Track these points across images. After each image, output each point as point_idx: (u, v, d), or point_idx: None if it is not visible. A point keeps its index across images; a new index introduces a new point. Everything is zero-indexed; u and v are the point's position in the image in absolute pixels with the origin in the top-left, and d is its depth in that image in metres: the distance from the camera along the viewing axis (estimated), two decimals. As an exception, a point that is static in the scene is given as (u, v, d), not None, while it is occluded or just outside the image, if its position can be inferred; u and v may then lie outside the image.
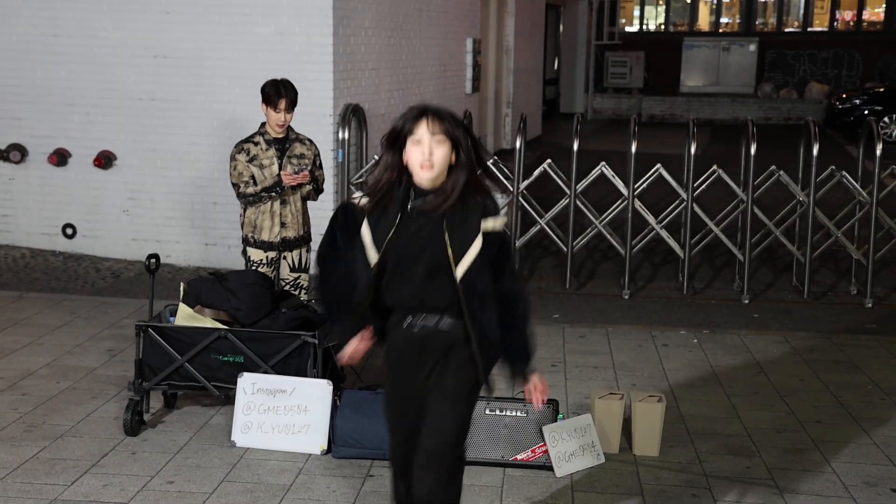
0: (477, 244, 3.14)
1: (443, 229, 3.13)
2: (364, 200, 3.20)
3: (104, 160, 8.35)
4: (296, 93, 5.48)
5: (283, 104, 5.41)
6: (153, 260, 5.01)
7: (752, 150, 7.56)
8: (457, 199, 3.12)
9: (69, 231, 8.60)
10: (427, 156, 3.09)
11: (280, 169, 5.49)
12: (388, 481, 3.53)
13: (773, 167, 8.01)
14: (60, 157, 8.44)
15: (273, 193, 5.47)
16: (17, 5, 8.35)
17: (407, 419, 3.34)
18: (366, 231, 3.20)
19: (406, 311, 3.25)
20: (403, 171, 3.16)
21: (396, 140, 3.15)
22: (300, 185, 5.54)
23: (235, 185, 5.51)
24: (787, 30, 27.22)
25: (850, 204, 8.17)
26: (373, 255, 3.20)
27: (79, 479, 4.37)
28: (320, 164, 5.73)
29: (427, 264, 3.15)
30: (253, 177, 5.47)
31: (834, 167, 8.07)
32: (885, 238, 7.96)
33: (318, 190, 5.70)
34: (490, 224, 3.18)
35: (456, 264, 3.13)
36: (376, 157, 8.18)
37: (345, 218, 3.27)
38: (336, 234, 3.29)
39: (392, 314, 3.29)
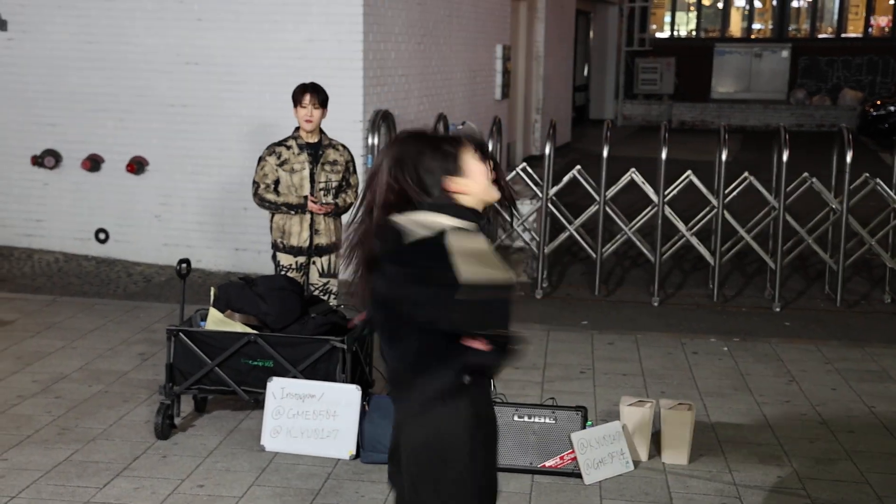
0: None
1: None
2: None
3: (136, 165, 8.43)
4: (324, 92, 5.51)
5: (307, 99, 5.43)
6: (184, 265, 5.05)
7: (785, 157, 7.50)
8: None
9: (102, 236, 8.69)
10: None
11: (312, 175, 5.51)
12: None
13: (805, 174, 7.94)
14: (94, 163, 8.54)
15: (294, 212, 5.49)
16: (51, 13, 8.46)
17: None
18: None
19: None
20: None
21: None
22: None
23: (255, 184, 5.53)
24: (820, 36, 26.99)
25: (885, 212, 8.08)
26: None
27: (110, 482, 4.41)
28: (354, 169, 5.74)
29: None
30: (277, 181, 5.49)
31: (868, 174, 7.99)
32: (919, 246, 7.86)
33: (342, 212, 5.65)
34: None
35: None
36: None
37: None
38: None
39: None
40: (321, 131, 5.59)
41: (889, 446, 4.96)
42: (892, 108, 19.04)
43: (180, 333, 4.88)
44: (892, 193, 7.81)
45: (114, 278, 8.20)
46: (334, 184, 5.57)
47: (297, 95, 5.46)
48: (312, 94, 5.44)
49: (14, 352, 6.13)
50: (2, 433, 4.90)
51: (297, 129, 5.58)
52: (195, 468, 4.56)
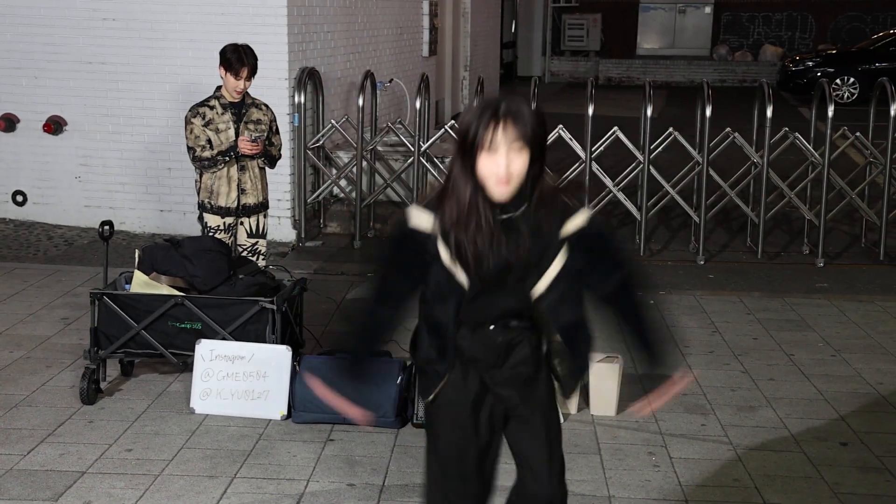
0: (560, 257, 2.74)
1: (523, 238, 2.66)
2: (429, 219, 2.68)
3: (54, 125, 8.18)
4: (256, 59, 5.41)
5: (244, 72, 5.33)
6: (107, 227, 4.95)
7: (708, 113, 7.62)
8: (538, 202, 2.66)
9: (19, 198, 8.45)
10: (503, 169, 2.56)
11: (236, 134, 5.43)
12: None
13: (727, 129, 8.08)
14: (8, 123, 8.26)
15: (227, 158, 5.41)
16: (-41, -34, 8.12)
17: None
18: (444, 251, 2.68)
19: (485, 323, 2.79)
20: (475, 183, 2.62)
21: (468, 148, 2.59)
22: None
23: (191, 150, 5.43)
24: (742, -8, 27.33)
25: (803, 165, 8.28)
26: (462, 277, 2.69)
27: (35, 448, 4.34)
28: (277, 129, 5.67)
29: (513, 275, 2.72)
30: (209, 141, 5.40)
31: (787, 129, 8.16)
32: (836, 199, 8.08)
33: (273, 157, 5.64)
34: (572, 225, 2.72)
35: (538, 279, 2.73)
36: (333, 122, 8.12)
37: (404, 240, 2.74)
38: (395, 255, 2.78)
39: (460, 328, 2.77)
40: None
41: (807, 392, 5.14)
42: (810, 64, 19.44)
43: (104, 297, 4.78)
44: (810, 147, 8.00)
45: (33, 242, 7.99)
46: (260, 142, 5.49)
47: (234, 64, 5.30)
48: (248, 65, 5.32)
49: (-70, 319, 5.96)
50: (-80, 403, 4.77)
51: (220, 87, 5.47)
52: (123, 432, 4.51)
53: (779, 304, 6.63)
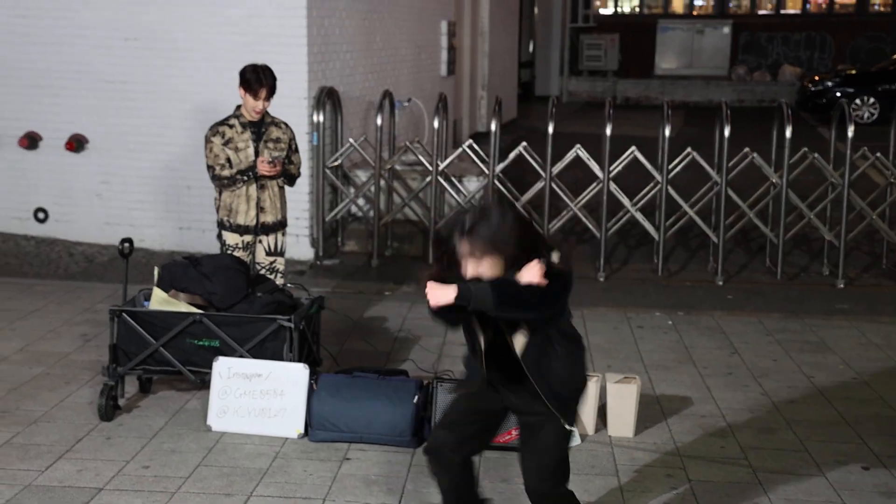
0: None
1: None
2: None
3: (76, 143, 8.26)
4: (275, 79, 5.44)
5: (263, 93, 5.37)
6: (126, 244, 4.97)
7: (726, 133, 7.60)
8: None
9: (41, 215, 8.52)
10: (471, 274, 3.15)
11: (256, 152, 5.46)
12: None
13: (746, 149, 8.05)
14: (31, 141, 8.34)
15: (246, 178, 5.43)
16: (-16, -14, 8.22)
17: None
18: None
19: None
20: None
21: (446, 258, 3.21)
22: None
23: (210, 168, 5.46)
24: (760, 12, 27.35)
25: (823, 186, 8.24)
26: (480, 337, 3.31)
27: (53, 464, 4.35)
28: (296, 147, 5.70)
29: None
30: (229, 159, 5.43)
31: (806, 149, 8.13)
32: (856, 219, 8.03)
33: (292, 175, 5.67)
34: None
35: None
36: (351, 141, 8.16)
37: None
38: None
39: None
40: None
41: (828, 415, 5.09)
42: (829, 84, 19.38)
43: (124, 313, 4.81)
44: (830, 168, 7.97)
45: (54, 258, 8.04)
46: (279, 161, 5.52)
47: (253, 84, 5.35)
48: (267, 86, 5.36)
49: (-49, 335, 6.00)
50: (-60, 418, 4.80)
51: (239, 107, 5.51)
52: (140, 449, 4.51)
53: (798, 326, 6.58)
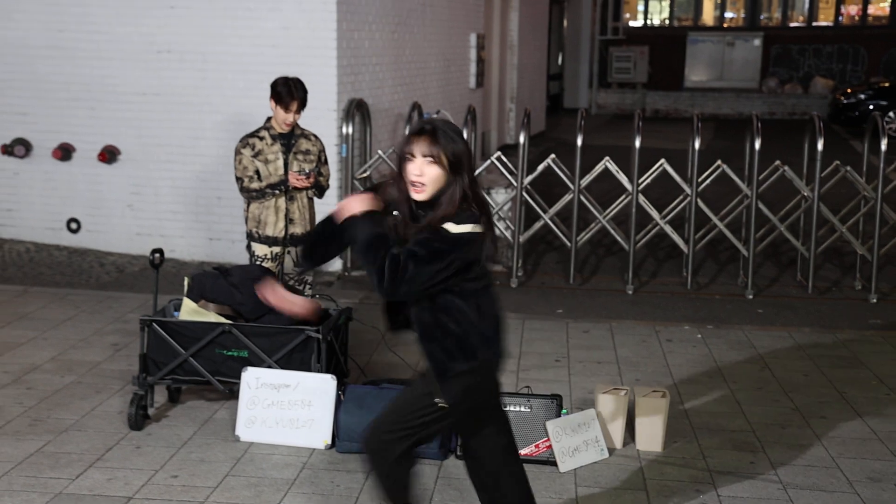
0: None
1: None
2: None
3: (108, 155, 8.35)
4: (306, 92, 5.48)
5: (294, 105, 5.41)
6: (157, 255, 5.02)
7: (757, 145, 7.55)
8: (451, 211, 3.14)
9: (73, 225, 8.61)
10: (416, 175, 3.17)
11: (286, 164, 5.49)
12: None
13: (777, 162, 8.00)
14: (65, 152, 8.45)
15: (277, 191, 5.47)
16: (22, 1, 8.35)
17: None
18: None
19: None
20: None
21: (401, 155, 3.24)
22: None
23: (239, 180, 5.51)
24: (791, 24, 27.19)
25: (855, 199, 8.16)
26: None
27: (83, 472, 4.38)
28: (325, 159, 5.73)
29: None
30: (258, 171, 5.47)
31: (839, 162, 8.06)
32: (889, 233, 7.95)
33: (322, 187, 5.70)
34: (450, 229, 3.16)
35: None
36: (380, 153, 8.19)
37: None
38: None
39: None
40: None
41: (860, 431, 5.03)
42: (862, 97, 19.21)
43: (154, 323, 4.84)
44: (862, 181, 7.89)
45: (86, 268, 8.13)
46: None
47: (284, 97, 5.39)
48: (298, 99, 5.40)
49: (-15, 343, 6.07)
50: (-27, 425, 4.85)
51: (270, 118, 5.55)
52: (169, 459, 4.54)
53: (830, 340, 6.51)
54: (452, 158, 3.16)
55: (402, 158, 3.20)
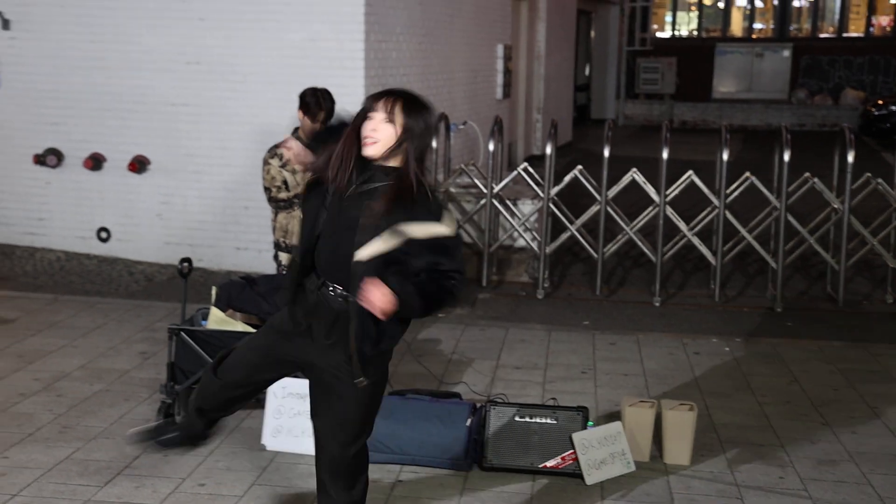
0: (383, 242, 3.10)
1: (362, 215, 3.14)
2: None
3: (138, 164, 8.43)
4: (334, 103, 5.52)
5: (322, 116, 5.45)
6: (186, 264, 5.05)
7: (786, 157, 7.50)
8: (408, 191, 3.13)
9: (104, 235, 8.70)
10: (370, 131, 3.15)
11: (312, 174, 5.52)
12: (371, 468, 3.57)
13: (807, 174, 7.94)
14: (96, 162, 8.54)
15: None
16: (55, 12, 8.46)
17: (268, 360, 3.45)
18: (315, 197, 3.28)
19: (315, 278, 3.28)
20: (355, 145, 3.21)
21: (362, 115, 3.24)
22: None
23: (268, 189, 5.54)
24: (821, 35, 26.99)
25: (887, 212, 8.08)
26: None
27: (112, 480, 4.42)
28: (352, 169, 5.74)
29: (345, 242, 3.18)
30: (285, 182, 5.51)
31: (870, 174, 7.99)
32: (921, 246, 7.86)
33: None
34: (435, 229, 3.14)
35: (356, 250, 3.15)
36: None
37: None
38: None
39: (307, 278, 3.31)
40: (321, 131, 5.61)
41: (892, 447, 4.96)
42: (893, 108, 19.03)
43: (182, 332, 4.88)
44: (893, 193, 7.81)
45: (115, 277, 8.20)
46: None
47: (312, 108, 5.44)
48: (325, 109, 5.44)
49: (16, 350, 6.14)
50: (3, 431, 4.90)
51: (297, 129, 5.58)
52: (196, 467, 4.56)
53: (861, 354, 6.44)
54: (408, 129, 3.15)
55: (362, 118, 3.19)
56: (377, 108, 3.18)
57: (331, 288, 3.21)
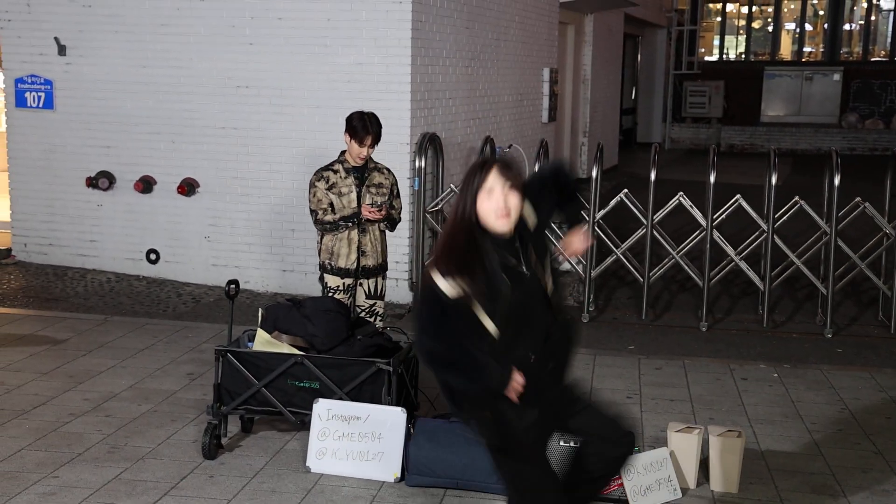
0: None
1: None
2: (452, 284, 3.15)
3: (187, 187, 8.55)
4: (380, 127, 5.55)
5: (369, 140, 5.48)
6: (233, 286, 5.10)
7: (836, 181, 7.39)
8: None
9: (153, 256, 8.82)
10: (502, 204, 3.16)
11: (359, 197, 5.56)
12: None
13: (857, 199, 7.81)
14: (146, 185, 8.68)
15: (350, 223, 5.54)
16: (108, 38, 8.65)
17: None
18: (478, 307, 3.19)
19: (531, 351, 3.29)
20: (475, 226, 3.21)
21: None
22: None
23: (314, 212, 5.59)
24: (873, 59, 26.63)
25: (940, 237, 7.92)
26: (490, 325, 3.19)
27: (158, 500, 4.45)
28: (398, 192, 5.78)
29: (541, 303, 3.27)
30: (331, 204, 5.55)
31: (922, 199, 7.84)
32: (977, 272, 7.68)
33: (394, 220, 5.75)
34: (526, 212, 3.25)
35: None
36: (452, 186, 8.23)
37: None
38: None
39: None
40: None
41: (946, 478, 4.84)
42: (946, 132, 18.68)
43: (228, 354, 4.92)
44: (947, 218, 7.66)
45: (164, 298, 8.31)
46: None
47: (359, 132, 5.47)
48: (373, 134, 5.48)
49: (66, 370, 6.24)
50: (53, 451, 4.98)
51: (343, 152, 5.63)
52: (241, 488, 4.59)
53: (914, 382, 6.30)
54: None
55: (474, 199, 3.15)
56: (498, 184, 3.16)
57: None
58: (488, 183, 3.10)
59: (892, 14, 26.93)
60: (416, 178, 8.08)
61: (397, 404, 4.80)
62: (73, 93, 8.81)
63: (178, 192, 8.58)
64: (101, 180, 8.76)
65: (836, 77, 24.61)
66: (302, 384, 4.86)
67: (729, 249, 7.77)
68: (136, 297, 8.31)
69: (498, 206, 3.10)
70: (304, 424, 4.90)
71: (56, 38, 8.74)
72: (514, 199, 3.13)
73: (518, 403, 3.22)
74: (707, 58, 27.34)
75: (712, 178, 7.55)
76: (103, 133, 8.77)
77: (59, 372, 6.19)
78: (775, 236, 7.61)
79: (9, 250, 9.26)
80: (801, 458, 5.03)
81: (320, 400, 4.79)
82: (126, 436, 5.20)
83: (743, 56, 28.04)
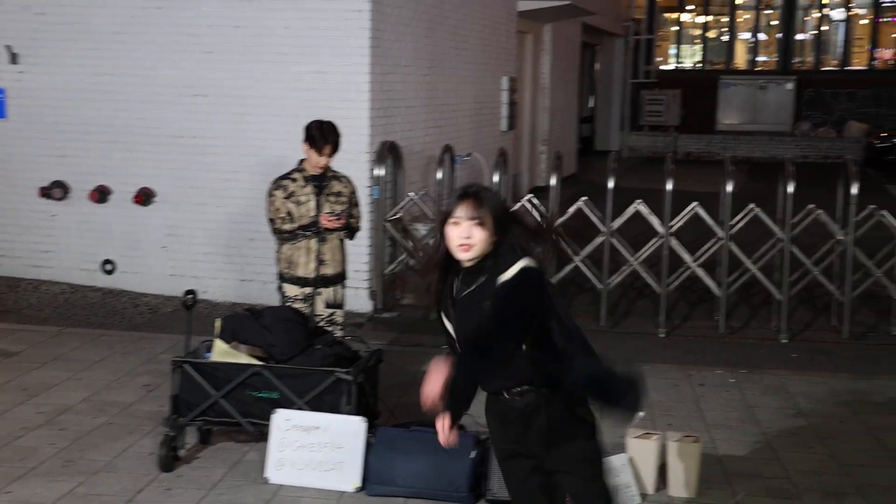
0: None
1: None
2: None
3: (144, 197, 8.46)
4: (339, 136, 5.54)
5: (327, 149, 5.47)
6: (190, 296, 5.06)
7: (790, 189, 7.51)
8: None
9: (108, 267, 8.71)
10: (464, 237, 3.15)
11: (317, 206, 5.54)
12: None
13: (811, 206, 7.94)
14: (101, 194, 8.58)
15: (309, 232, 5.51)
16: (62, 46, 8.54)
17: None
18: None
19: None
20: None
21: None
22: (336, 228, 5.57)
23: (272, 221, 5.56)
24: (824, 68, 27.11)
25: (891, 244, 8.06)
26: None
27: (114, 513, 4.39)
28: (357, 201, 5.77)
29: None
30: (290, 213, 5.52)
31: (873, 206, 7.98)
32: (926, 278, 7.83)
33: (354, 229, 5.74)
34: (503, 277, 3.13)
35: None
36: (411, 195, 8.22)
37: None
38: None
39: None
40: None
41: (898, 480, 4.92)
42: (897, 140, 19.08)
43: (186, 364, 4.87)
44: (898, 225, 7.80)
45: (120, 309, 8.21)
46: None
47: (317, 141, 5.46)
48: (331, 143, 5.47)
49: (19, 383, 6.13)
50: (6, 465, 4.89)
51: (302, 160, 5.61)
52: (199, 501, 4.54)
53: (867, 386, 6.41)
54: (496, 219, 3.16)
55: (444, 224, 3.19)
56: (463, 216, 3.15)
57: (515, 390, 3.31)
58: (457, 213, 3.16)
59: (842, 24, 27.45)
60: (376, 187, 8.07)
61: (357, 413, 4.78)
62: (26, 101, 8.68)
63: (135, 202, 8.48)
64: (55, 190, 8.63)
65: (790, 86, 25.05)
66: (261, 394, 4.82)
67: (686, 256, 7.85)
68: (92, 309, 8.19)
69: (459, 236, 3.16)
70: (262, 435, 4.87)
71: (8, 46, 8.61)
72: (478, 234, 3.14)
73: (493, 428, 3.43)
74: (664, 67, 27.66)
75: (669, 186, 7.63)
76: (57, 142, 8.65)
77: (12, 385, 6.09)
78: (731, 243, 7.71)
79: (-40, 261, 9.10)
80: (758, 463, 5.09)
81: (279, 410, 4.76)
82: (81, 449, 5.12)
83: (699, 65, 28.41)
